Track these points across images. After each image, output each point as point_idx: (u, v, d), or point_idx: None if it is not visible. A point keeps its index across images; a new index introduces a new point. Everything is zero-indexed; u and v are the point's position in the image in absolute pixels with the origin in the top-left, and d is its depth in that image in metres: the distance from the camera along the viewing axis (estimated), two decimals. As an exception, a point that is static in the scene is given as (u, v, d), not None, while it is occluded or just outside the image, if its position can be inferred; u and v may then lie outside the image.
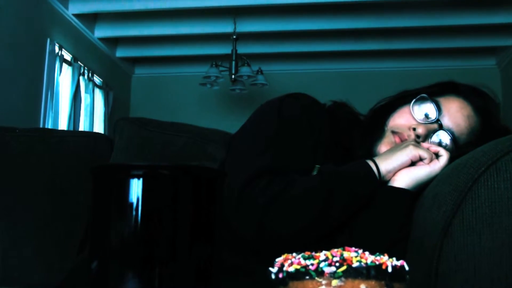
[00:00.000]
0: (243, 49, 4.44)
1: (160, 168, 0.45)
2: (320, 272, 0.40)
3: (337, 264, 0.41)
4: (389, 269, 0.41)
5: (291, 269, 0.42)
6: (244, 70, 4.30)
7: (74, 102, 4.19)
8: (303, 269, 0.41)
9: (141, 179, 0.44)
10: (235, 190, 0.82)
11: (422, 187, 0.88)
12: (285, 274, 0.42)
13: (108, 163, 1.35)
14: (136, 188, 0.44)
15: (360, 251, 0.43)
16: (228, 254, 0.76)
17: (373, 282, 0.40)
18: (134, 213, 0.44)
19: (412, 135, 0.95)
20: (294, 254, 0.44)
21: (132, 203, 0.44)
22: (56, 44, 4.00)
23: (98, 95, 4.76)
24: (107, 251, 0.44)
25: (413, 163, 0.89)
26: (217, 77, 4.43)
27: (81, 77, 4.35)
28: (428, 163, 0.88)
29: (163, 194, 0.44)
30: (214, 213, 0.46)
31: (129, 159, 1.31)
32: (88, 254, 0.45)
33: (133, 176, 0.44)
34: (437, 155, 0.90)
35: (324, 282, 0.40)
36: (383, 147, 0.96)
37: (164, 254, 0.43)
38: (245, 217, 0.82)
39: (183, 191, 0.45)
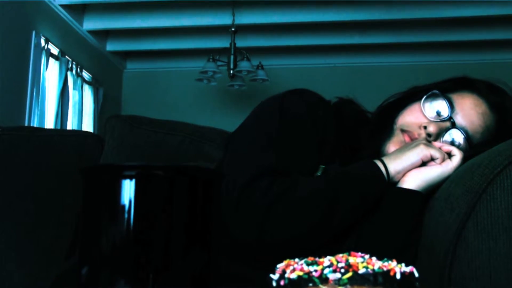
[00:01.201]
0: (242, 42, 4.44)
1: (154, 168, 0.45)
2: (324, 279, 0.41)
3: (342, 270, 0.41)
4: (398, 276, 0.41)
5: (293, 275, 0.42)
6: (244, 65, 4.30)
7: (61, 99, 4.19)
8: (306, 276, 0.41)
9: (133, 180, 0.44)
10: (234, 192, 0.82)
11: (433, 189, 0.89)
12: (287, 281, 0.42)
13: (99, 163, 1.35)
14: (128, 189, 0.44)
15: (367, 256, 0.43)
16: (226, 259, 0.77)
17: (380, 290, 0.40)
18: (126, 216, 0.44)
19: (423, 133, 0.95)
20: (296, 260, 0.44)
21: (124, 206, 0.44)
22: (42, 37, 4.00)
23: (87, 91, 4.77)
24: (98, 256, 0.44)
25: (424, 163, 0.89)
26: (214, 72, 4.43)
27: (69, 73, 4.35)
28: (440, 163, 0.89)
29: (157, 196, 0.45)
30: (211, 216, 0.47)
31: (120, 159, 1.31)
32: (77, 260, 0.45)
33: (125, 177, 0.44)
34: (449, 155, 0.90)
35: (328, 289, 0.40)
36: (392, 146, 0.97)
37: (158, 260, 0.43)
38: (244, 220, 0.82)
39: (178, 193, 0.45)
